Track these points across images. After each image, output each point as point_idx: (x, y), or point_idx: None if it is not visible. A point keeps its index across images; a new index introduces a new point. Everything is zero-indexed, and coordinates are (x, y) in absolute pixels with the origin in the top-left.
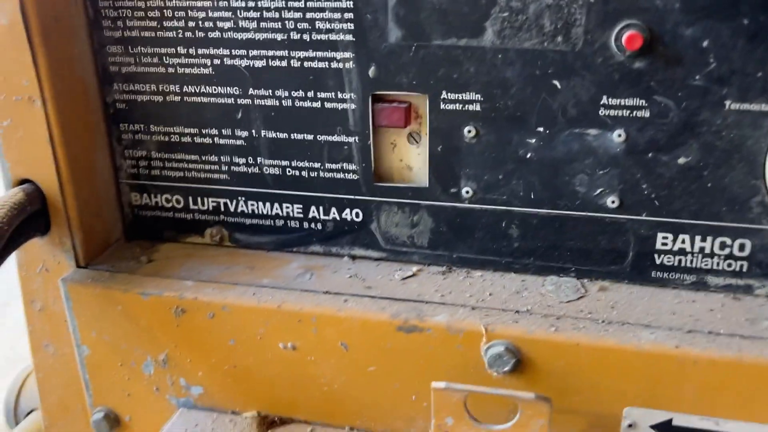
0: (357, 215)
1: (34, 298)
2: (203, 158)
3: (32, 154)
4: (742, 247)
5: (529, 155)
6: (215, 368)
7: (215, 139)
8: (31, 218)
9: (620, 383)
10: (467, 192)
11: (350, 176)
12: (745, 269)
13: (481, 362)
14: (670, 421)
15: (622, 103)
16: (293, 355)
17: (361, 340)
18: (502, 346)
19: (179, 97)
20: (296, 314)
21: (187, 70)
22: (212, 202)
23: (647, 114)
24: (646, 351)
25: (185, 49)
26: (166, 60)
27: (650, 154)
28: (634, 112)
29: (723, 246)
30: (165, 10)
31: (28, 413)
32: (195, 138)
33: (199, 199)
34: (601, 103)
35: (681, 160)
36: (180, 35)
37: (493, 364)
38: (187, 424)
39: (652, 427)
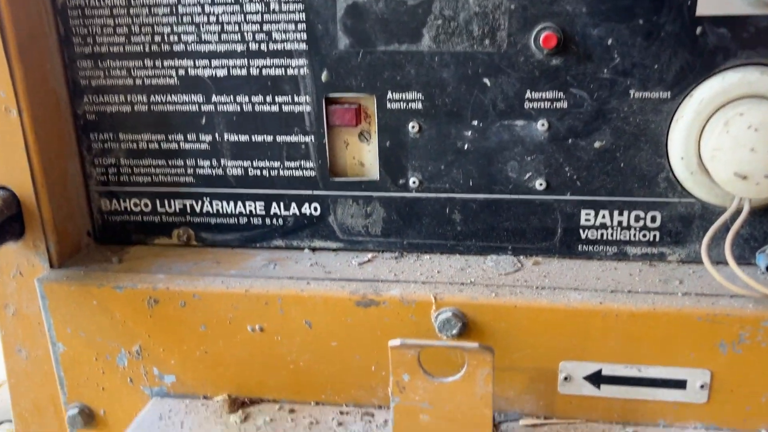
0: (315, 209)
1: (8, 302)
2: (170, 163)
3: (8, 162)
4: (653, 219)
5: (466, 146)
6: (187, 355)
7: (181, 144)
8: (6, 223)
9: (554, 340)
10: (414, 182)
11: (308, 173)
12: (657, 239)
13: (432, 329)
14: (600, 371)
15: (544, 96)
16: (261, 336)
17: (323, 318)
18: (449, 312)
19: (146, 107)
20: (263, 297)
21: (154, 81)
22: (179, 204)
23: (565, 105)
24: (575, 308)
25: (152, 62)
26: (134, 72)
27: (570, 140)
28: (554, 104)
29: (637, 219)
30: (132, 26)
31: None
32: (161, 144)
33: (166, 201)
34: (526, 96)
35: (597, 144)
36: (147, 49)
37: (442, 329)
38: (161, 411)
39: (585, 378)
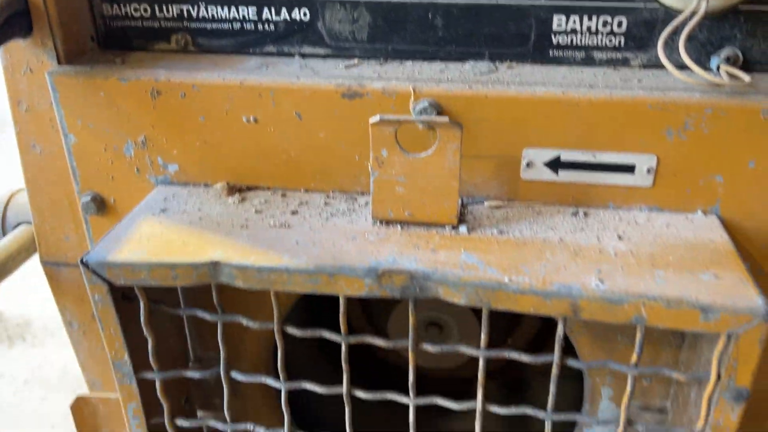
0: (305, 14)
1: (21, 98)
2: None
3: None
4: (620, 24)
5: None
6: (188, 145)
7: None
8: (14, 18)
9: (520, 128)
10: None
11: None
12: (622, 44)
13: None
14: (559, 157)
15: None
16: (255, 127)
17: (311, 109)
18: (426, 102)
19: None
20: (256, 88)
21: None
22: (176, 9)
23: None
24: (539, 97)
25: None
26: None
27: None
28: None
29: (605, 24)
30: None
31: (15, 226)
32: None
33: (164, 6)
34: None
35: None
36: None
37: (419, 117)
38: (165, 195)
39: (545, 164)
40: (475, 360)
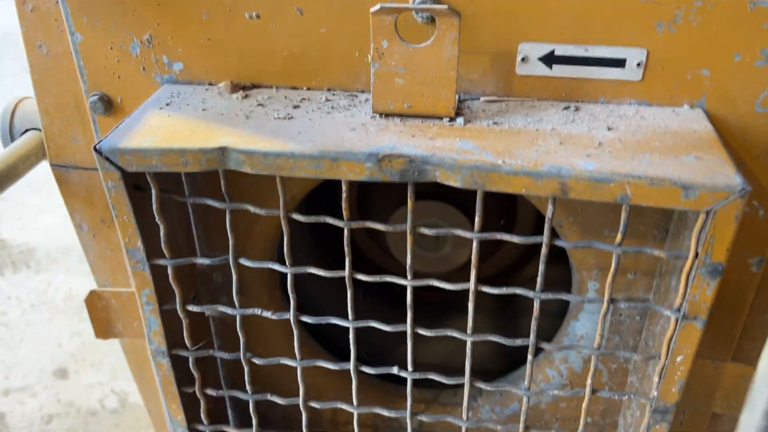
0: None
1: None
2: None
3: None
4: None
5: None
6: (193, 43)
7: None
8: None
9: (515, 20)
10: None
11: None
12: None
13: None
14: (553, 51)
15: None
16: (257, 24)
17: (313, 3)
18: None
19: None
20: None
21: None
22: None
23: None
24: None
25: None
26: None
27: None
28: None
29: None
30: None
31: (24, 132)
32: None
33: None
34: None
35: None
36: None
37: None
38: (171, 92)
39: (540, 59)
40: (466, 269)
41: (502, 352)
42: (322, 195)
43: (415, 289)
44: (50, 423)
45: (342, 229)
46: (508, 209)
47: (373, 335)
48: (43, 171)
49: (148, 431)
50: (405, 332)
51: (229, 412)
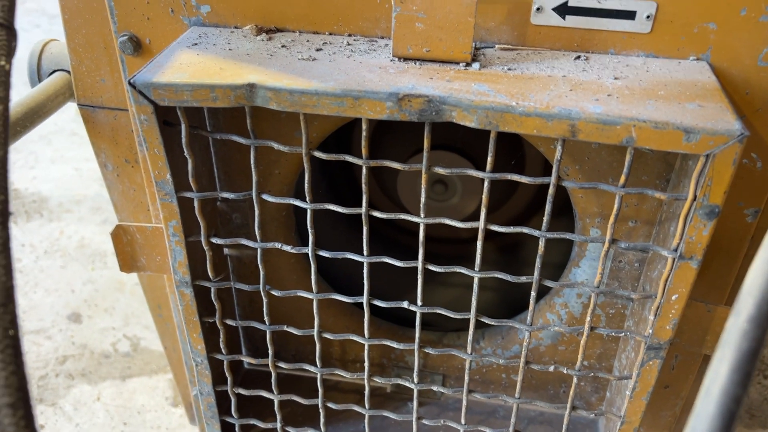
0: None
1: None
2: None
3: None
4: None
5: None
6: None
7: None
8: None
9: None
10: None
11: None
12: None
13: None
14: (567, 2)
15: None
16: None
17: None
18: None
19: None
20: None
21: None
22: None
23: None
24: None
25: None
26: None
27: None
28: None
29: None
30: None
31: (51, 73)
32: None
33: None
34: None
35: None
36: None
37: None
38: (198, 34)
39: (554, 9)
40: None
41: (505, 301)
42: (335, 148)
43: (424, 243)
44: (64, 363)
45: (352, 185)
46: (516, 165)
47: (382, 289)
48: (54, 123)
49: (158, 374)
50: (412, 286)
51: (243, 346)
